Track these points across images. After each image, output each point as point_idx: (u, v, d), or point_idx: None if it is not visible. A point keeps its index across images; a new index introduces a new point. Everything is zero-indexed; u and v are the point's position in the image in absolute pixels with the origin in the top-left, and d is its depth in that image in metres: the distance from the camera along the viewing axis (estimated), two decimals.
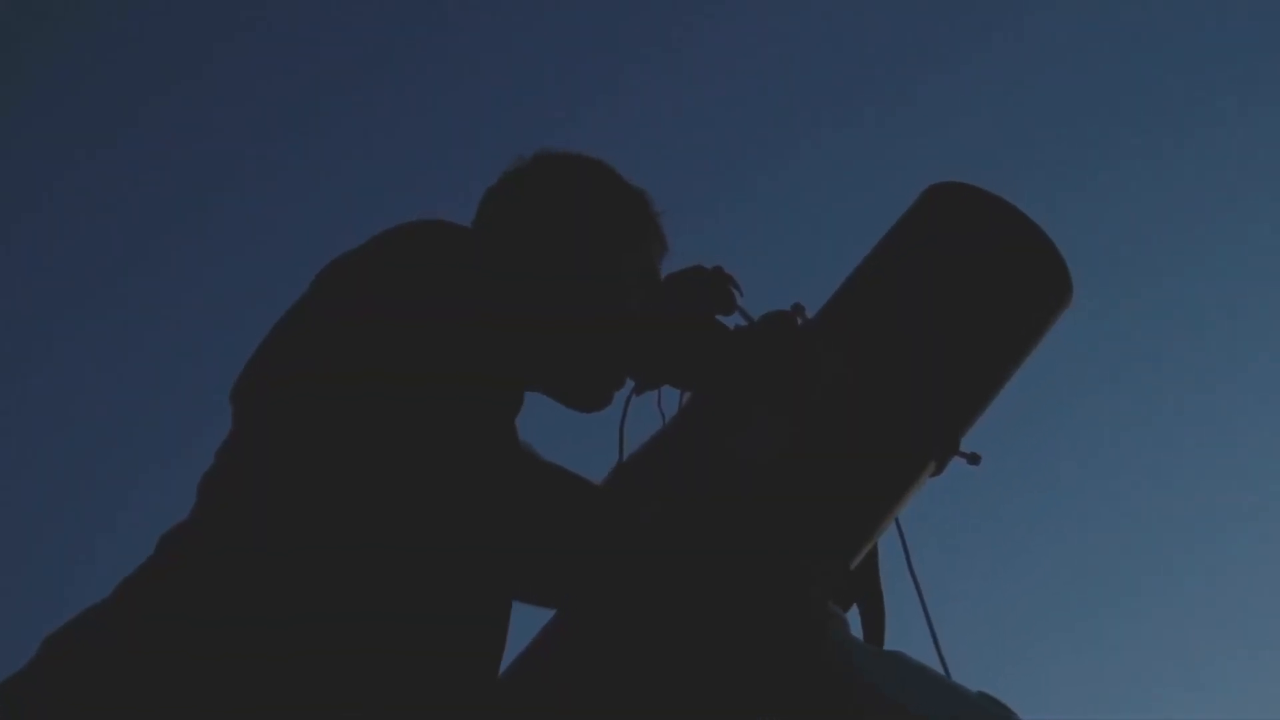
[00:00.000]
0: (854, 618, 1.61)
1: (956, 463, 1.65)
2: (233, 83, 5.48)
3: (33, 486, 5.30)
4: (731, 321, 1.67)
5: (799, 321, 1.61)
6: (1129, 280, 5.33)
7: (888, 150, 5.38)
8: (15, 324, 5.40)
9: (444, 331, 1.37)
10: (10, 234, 5.37)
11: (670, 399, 1.68)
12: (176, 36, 5.33)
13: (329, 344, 1.37)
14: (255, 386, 1.43)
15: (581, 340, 1.61)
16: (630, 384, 1.68)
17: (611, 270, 1.67)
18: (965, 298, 1.64)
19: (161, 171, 5.46)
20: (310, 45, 5.54)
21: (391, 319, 1.36)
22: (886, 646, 1.61)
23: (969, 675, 1.51)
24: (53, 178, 5.39)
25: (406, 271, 1.39)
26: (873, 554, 1.64)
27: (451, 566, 1.36)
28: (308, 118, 5.55)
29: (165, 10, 5.36)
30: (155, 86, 5.35)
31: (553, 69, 5.59)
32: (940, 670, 1.56)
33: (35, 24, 5.19)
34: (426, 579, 1.34)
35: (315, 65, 5.56)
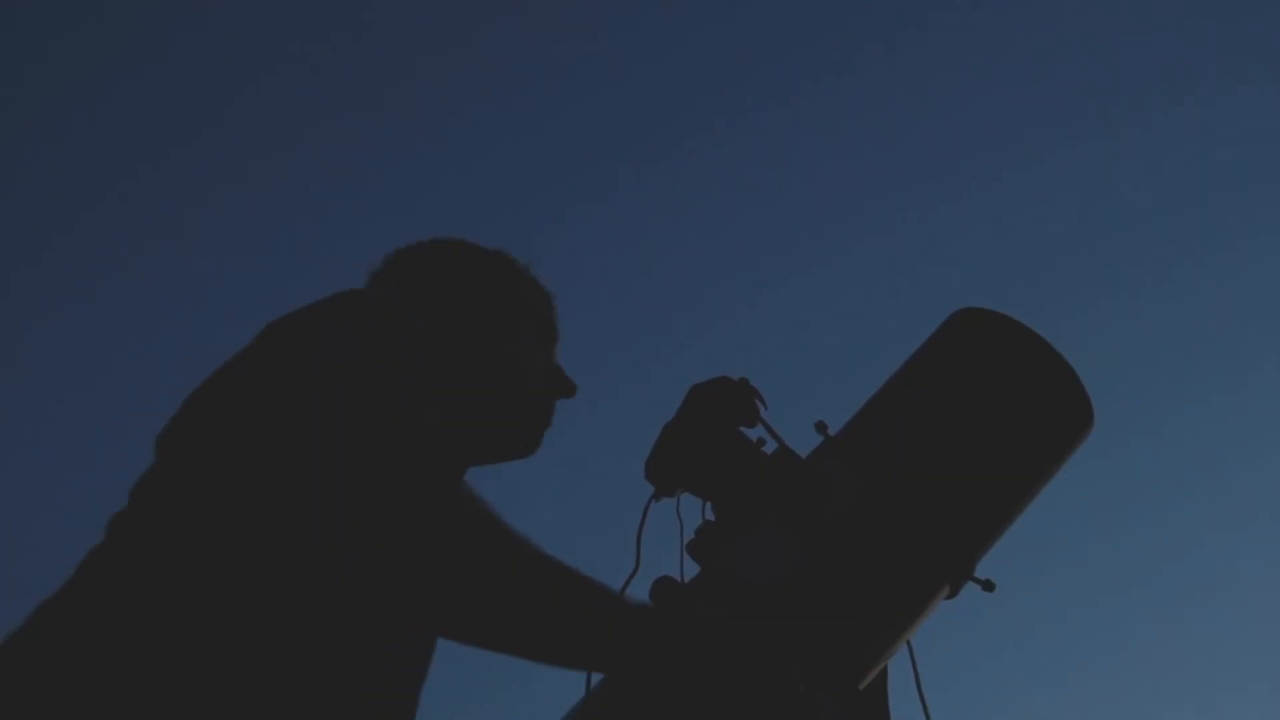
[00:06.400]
0: None
1: (970, 587, 1.66)
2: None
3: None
4: (755, 434, 1.69)
5: (822, 439, 1.63)
6: (1150, 410, 5.33)
7: (916, 266, 5.43)
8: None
9: (381, 398, 1.44)
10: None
11: (689, 506, 1.70)
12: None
13: (268, 402, 1.43)
14: (187, 436, 1.48)
15: (495, 397, 1.79)
16: (650, 491, 1.69)
17: (513, 331, 1.84)
18: (986, 425, 1.66)
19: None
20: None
21: (327, 382, 1.43)
22: None
23: None
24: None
25: (343, 342, 1.48)
26: (882, 676, 1.64)
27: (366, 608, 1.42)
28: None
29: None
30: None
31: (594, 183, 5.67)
32: None
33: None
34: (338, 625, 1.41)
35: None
